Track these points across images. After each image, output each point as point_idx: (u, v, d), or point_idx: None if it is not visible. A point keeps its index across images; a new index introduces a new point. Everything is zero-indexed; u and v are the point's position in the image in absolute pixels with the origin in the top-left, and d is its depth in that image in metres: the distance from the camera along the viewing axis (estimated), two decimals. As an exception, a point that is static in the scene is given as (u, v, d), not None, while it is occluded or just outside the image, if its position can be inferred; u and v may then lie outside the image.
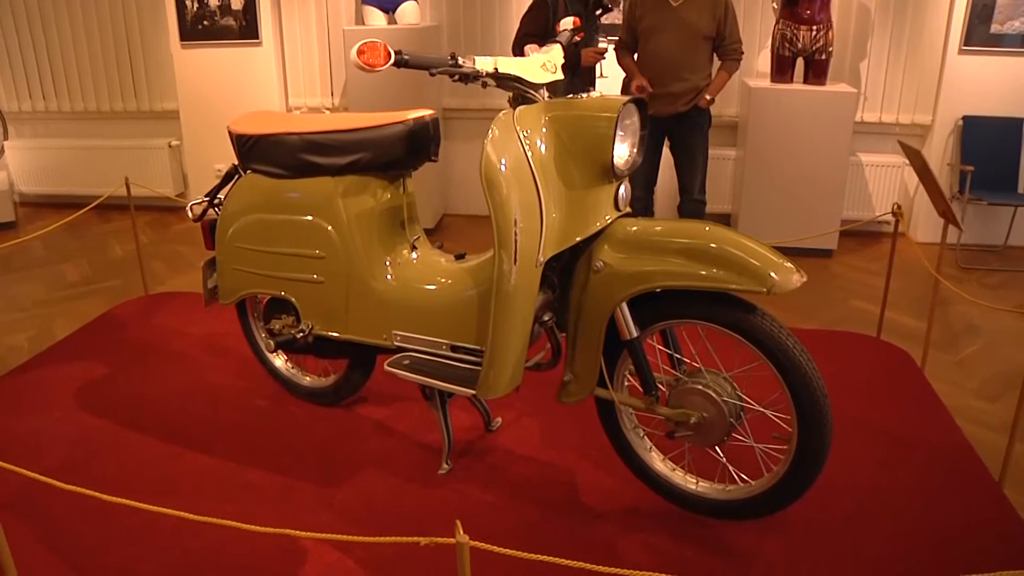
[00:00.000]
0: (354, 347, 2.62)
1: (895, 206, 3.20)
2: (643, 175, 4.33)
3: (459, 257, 2.44)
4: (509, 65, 2.04)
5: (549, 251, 2.02)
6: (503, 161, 1.96)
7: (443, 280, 2.38)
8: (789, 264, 1.88)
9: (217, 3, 5.45)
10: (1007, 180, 5.04)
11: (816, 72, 4.93)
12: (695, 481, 2.26)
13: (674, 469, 2.29)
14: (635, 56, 4.31)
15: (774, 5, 5.08)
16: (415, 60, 1.95)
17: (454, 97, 5.79)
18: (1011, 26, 4.96)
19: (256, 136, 2.56)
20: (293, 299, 2.64)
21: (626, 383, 2.27)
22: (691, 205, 4.32)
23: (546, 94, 2.11)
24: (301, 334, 2.60)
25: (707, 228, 1.98)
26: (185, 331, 3.67)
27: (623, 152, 2.02)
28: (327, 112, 5.85)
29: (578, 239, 2.05)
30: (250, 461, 2.64)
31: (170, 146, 5.86)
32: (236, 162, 2.73)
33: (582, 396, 2.22)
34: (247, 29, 5.49)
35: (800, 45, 4.86)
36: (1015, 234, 5.16)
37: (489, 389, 2.15)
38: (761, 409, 2.11)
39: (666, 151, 4.33)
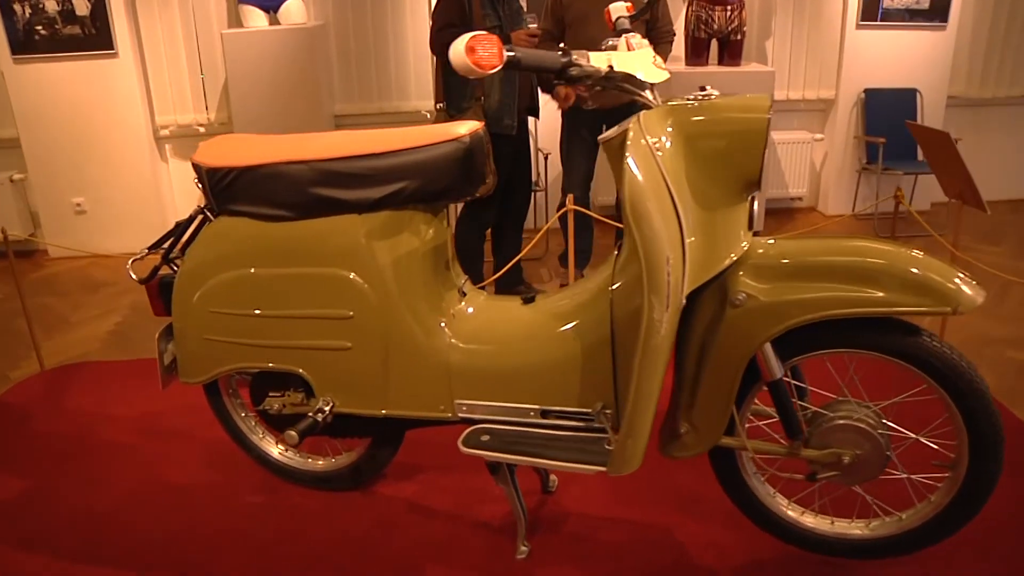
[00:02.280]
0: (382, 423, 2.14)
1: (897, 189, 3.11)
2: (581, 172, 4.05)
3: (528, 300, 2.02)
4: (624, 62, 1.67)
5: (689, 287, 1.66)
6: (645, 184, 1.59)
7: (524, 332, 1.94)
8: (966, 274, 1.65)
9: (57, 8, 4.57)
10: (907, 149, 5.22)
11: (732, 53, 4.87)
12: (830, 521, 2.00)
13: (803, 512, 2.02)
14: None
15: (683, -14, 4.96)
16: (528, 60, 1.59)
17: (347, 102, 5.26)
18: (900, 1, 5.14)
19: (239, 168, 2.00)
20: (303, 371, 2.11)
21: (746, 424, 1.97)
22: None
23: (656, 95, 1.75)
24: (321, 415, 2.08)
25: (855, 242, 1.72)
26: (113, 414, 2.95)
27: (760, 160, 1.70)
28: (201, 130, 5.11)
29: (718, 270, 1.71)
30: (271, 580, 2.10)
31: (12, 180, 4.90)
32: (203, 203, 2.15)
33: (702, 449, 1.88)
34: (98, 38, 4.66)
35: (716, 26, 4.76)
36: (915, 200, 5.37)
37: (624, 464, 1.75)
38: (916, 436, 1.88)
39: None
